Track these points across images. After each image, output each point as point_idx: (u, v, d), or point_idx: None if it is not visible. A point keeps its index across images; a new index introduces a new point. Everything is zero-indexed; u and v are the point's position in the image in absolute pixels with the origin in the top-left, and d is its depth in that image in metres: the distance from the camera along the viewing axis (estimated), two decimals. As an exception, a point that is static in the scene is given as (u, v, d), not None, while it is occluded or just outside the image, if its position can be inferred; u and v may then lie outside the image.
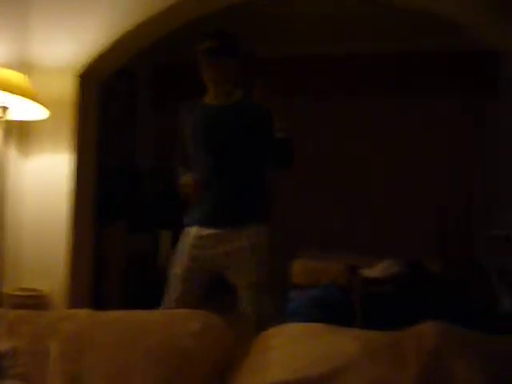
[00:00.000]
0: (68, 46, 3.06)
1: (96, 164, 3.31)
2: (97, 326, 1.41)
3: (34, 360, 1.33)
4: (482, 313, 3.05)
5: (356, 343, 1.14)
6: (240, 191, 2.26)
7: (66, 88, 3.04)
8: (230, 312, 2.22)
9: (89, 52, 3.04)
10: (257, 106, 2.22)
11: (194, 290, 2.27)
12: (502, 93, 4.88)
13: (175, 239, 4.78)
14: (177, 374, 1.21)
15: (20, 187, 3.05)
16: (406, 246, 4.83)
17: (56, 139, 3.05)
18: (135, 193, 4.96)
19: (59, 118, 3.00)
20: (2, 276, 2.69)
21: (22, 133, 3.05)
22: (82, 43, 3.05)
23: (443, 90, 5.19)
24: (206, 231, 2.26)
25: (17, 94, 2.56)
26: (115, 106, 5.12)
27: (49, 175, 3.05)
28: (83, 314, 1.50)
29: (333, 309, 3.36)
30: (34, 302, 2.88)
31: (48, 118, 2.85)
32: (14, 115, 2.73)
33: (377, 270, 3.38)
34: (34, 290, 2.96)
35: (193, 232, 2.30)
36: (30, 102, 2.64)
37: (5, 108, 2.65)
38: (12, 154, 2.93)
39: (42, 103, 2.70)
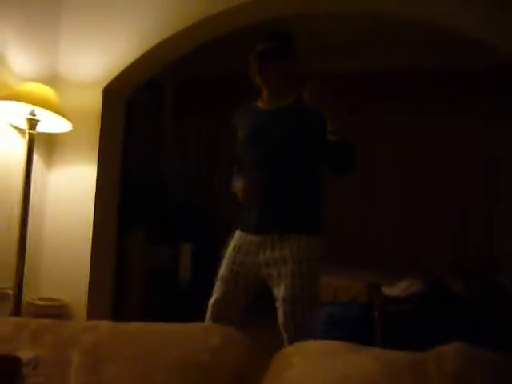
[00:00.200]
0: (95, 61, 3.12)
1: (120, 177, 3.35)
2: (117, 338, 1.42)
3: (55, 370, 1.34)
4: (504, 333, 2.99)
5: (376, 363, 1.12)
6: (289, 198, 2.16)
7: (92, 101, 3.10)
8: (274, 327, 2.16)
9: (115, 66, 3.10)
10: (308, 109, 2.03)
11: (237, 294, 2.19)
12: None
13: (196, 252, 4.84)
14: (195, 389, 1.21)
15: (44, 198, 3.11)
16: (428, 264, 4.80)
17: (81, 152, 3.10)
18: (158, 204, 5.00)
19: (85, 130, 3.06)
20: (24, 285, 2.73)
21: (47, 145, 3.11)
22: (109, 58, 3.11)
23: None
24: (250, 237, 2.19)
25: (44, 108, 2.63)
26: (140, 118, 5.19)
27: (73, 187, 3.10)
28: (104, 325, 1.51)
29: (353, 326, 3.33)
30: (55, 311, 2.92)
31: (74, 131, 2.90)
32: (40, 127, 2.79)
33: (398, 289, 3.34)
34: (54, 299, 3.00)
35: (237, 236, 2.25)
36: (57, 115, 2.70)
37: (34, 121, 2.71)
38: (37, 165, 2.99)
39: (68, 116, 2.76)
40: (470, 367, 1.05)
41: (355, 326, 3.31)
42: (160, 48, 3.09)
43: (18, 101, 2.58)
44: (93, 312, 3.04)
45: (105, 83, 3.11)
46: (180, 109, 5.98)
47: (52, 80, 3.08)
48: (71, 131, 2.90)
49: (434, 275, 3.51)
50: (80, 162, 3.10)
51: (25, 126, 2.72)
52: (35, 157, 2.88)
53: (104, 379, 1.27)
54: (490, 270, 4.67)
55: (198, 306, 4.42)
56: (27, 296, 2.88)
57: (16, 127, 2.87)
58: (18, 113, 2.71)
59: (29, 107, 2.64)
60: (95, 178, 3.07)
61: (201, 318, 2.29)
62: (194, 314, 4.12)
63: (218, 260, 5.47)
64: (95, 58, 3.13)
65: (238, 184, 2.25)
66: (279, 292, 2.11)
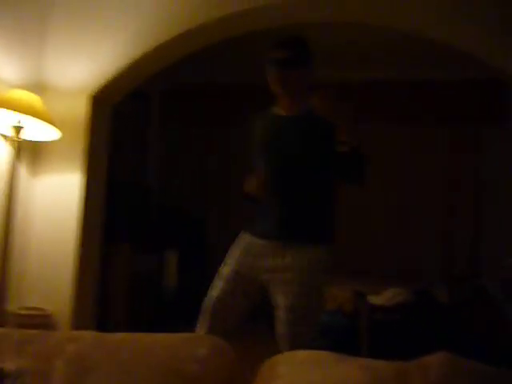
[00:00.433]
0: (82, 69, 3.11)
1: (106, 184, 3.33)
2: (101, 348, 1.41)
3: (39, 380, 1.32)
4: (489, 341, 3.02)
5: (362, 373, 1.13)
6: (299, 206, 2.13)
7: (78, 109, 3.09)
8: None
9: (102, 74, 3.10)
10: (323, 119, 1.99)
11: (235, 294, 2.15)
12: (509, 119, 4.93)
13: (181, 259, 4.81)
14: (181, 400, 1.20)
15: (29, 206, 3.08)
16: (413, 272, 4.84)
17: (67, 160, 3.09)
18: (142, 212, 4.98)
19: (71, 138, 3.04)
20: (7, 294, 2.69)
21: (33, 152, 3.09)
22: (96, 66, 3.10)
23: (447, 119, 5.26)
24: (257, 241, 2.16)
25: (30, 115, 2.61)
26: (126, 126, 5.17)
27: (58, 195, 3.08)
28: (88, 335, 1.50)
29: (339, 335, 3.34)
30: (39, 321, 2.88)
31: (60, 139, 2.89)
32: (26, 135, 2.77)
33: (383, 298, 3.36)
34: (38, 309, 2.97)
35: (244, 238, 2.22)
36: (43, 123, 2.68)
37: (19, 128, 2.69)
38: (22, 173, 2.97)
39: (54, 124, 2.75)
40: (455, 377, 1.06)
41: (341, 335, 3.32)
42: (148, 56, 3.09)
43: (4, 108, 2.57)
44: (77, 322, 3.01)
45: (92, 91, 3.10)
46: (167, 116, 5.98)
47: (38, 87, 3.06)
48: (57, 139, 2.89)
49: (420, 284, 3.53)
50: (66, 170, 3.08)
51: (11, 133, 2.71)
52: (21, 164, 2.86)
53: (88, 390, 1.26)
54: (474, 275, 4.72)
55: (184, 313, 4.42)
56: (11, 306, 2.85)
57: (1, 134, 2.85)
58: (4, 120, 2.69)
59: (15, 115, 2.62)
60: (81, 186, 3.06)
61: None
62: (181, 321, 4.11)
63: (204, 267, 5.46)
64: (82, 66, 3.12)
65: (254, 178, 2.13)
66: (280, 300, 2.08)
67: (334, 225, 2.21)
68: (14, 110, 2.58)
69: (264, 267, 2.12)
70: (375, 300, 3.33)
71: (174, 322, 3.98)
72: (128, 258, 4.14)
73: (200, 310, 2.20)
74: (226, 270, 2.19)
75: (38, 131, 2.83)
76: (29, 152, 3.04)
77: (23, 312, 2.92)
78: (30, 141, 2.91)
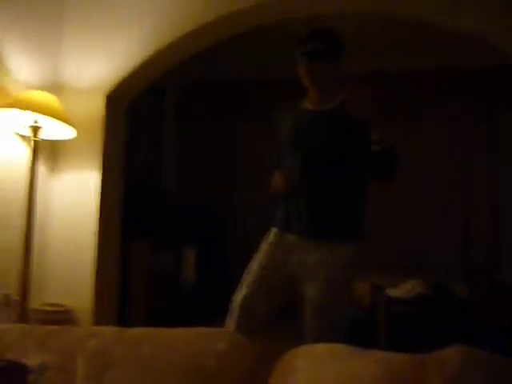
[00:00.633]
0: (98, 67, 3.14)
1: (123, 182, 3.36)
2: (121, 344, 1.42)
3: (61, 376, 1.35)
4: (508, 335, 2.99)
5: (380, 366, 1.13)
6: (328, 202, 2.12)
7: (94, 108, 3.12)
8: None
9: (118, 73, 3.12)
10: (353, 116, 2.00)
11: (262, 288, 2.14)
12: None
13: (199, 256, 4.84)
14: (200, 394, 1.22)
15: (48, 205, 3.12)
16: (432, 266, 4.79)
17: (84, 158, 3.12)
18: (160, 210, 5.01)
19: (87, 137, 3.08)
20: (30, 291, 2.74)
21: (51, 152, 3.13)
22: (111, 64, 3.13)
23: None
24: (285, 236, 2.17)
25: (47, 115, 2.65)
26: (143, 122, 5.20)
27: (76, 194, 3.12)
28: (109, 330, 1.52)
29: (356, 328, 3.33)
30: (60, 317, 2.93)
31: (76, 137, 2.92)
32: (43, 135, 2.81)
33: (401, 290, 3.34)
34: (60, 305, 3.01)
35: (273, 233, 2.21)
36: (60, 122, 2.72)
37: (37, 128, 2.73)
38: (41, 172, 3.01)
39: (71, 123, 2.78)
40: (472, 370, 1.05)
41: (359, 328, 3.32)
42: (162, 53, 3.10)
43: (22, 109, 2.61)
44: (98, 318, 3.05)
45: (108, 89, 3.13)
46: (183, 113, 5.99)
47: (54, 87, 3.10)
48: (74, 138, 2.92)
49: (438, 277, 3.51)
50: (83, 168, 3.12)
51: (28, 133, 2.75)
52: (39, 164, 2.90)
53: (109, 385, 1.28)
54: (494, 268, 4.67)
55: (203, 309, 4.45)
56: (33, 302, 2.90)
57: (20, 135, 2.89)
58: (22, 120, 2.73)
59: (32, 115, 2.66)
60: (99, 184, 3.09)
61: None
62: (199, 317, 4.14)
63: (222, 263, 5.48)
64: (98, 65, 3.15)
65: (277, 176, 2.14)
66: (306, 294, 2.09)
67: (363, 222, 2.21)
68: (32, 111, 2.62)
69: (292, 262, 2.13)
70: (393, 293, 3.32)
71: (192, 318, 4.00)
72: (146, 256, 4.17)
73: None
74: (254, 265, 2.19)
75: (55, 130, 2.86)
76: (47, 151, 3.08)
77: (45, 308, 2.97)
78: (48, 140, 2.95)
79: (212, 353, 1.32)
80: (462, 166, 5.18)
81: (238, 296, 2.18)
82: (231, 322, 2.16)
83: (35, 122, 2.71)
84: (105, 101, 3.12)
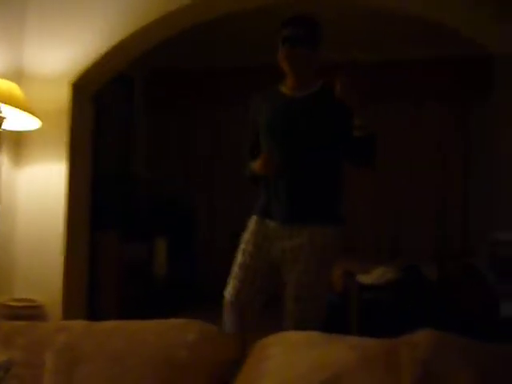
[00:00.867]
0: (62, 55, 3.07)
1: (90, 173, 3.31)
2: (91, 337, 1.41)
3: (28, 372, 1.32)
4: (479, 318, 3.06)
5: (352, 352, 1.14)
6: (308, 187, 2.15)
7: (59, 97, 3.05)
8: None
9: (83, 61, 3.05)
10: (335, 101, 2.01)
11: (249, 278, 2.17)
12: (495, 94, 4.93)
13: (171, 246, 4.81)
14: (172, 385, 1.21)
15: (13, 197, 3.05)
16: (405, 251, 4.87)
17: (50, 149, 3.05)
18: (129, 200, 4.95)
19: (53, 127, 3.01)
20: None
21: (14, 143, 3.04)
22: (76, 52, 3.06)
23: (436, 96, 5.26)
24: (265, 223, 2.18)
25: (10, 105, 2.56)
26: (111, 111, 5.11)
27: (43, 185, 3.05)
28: (78, 325, 1.50)
29: (329, 313, 3.36)
30: (29, 312, 2.87)
31: (41, 128, 2.85)
32: (6, 125, 2.73)
33: (373, 277, 3.38)
34: (28, 300, 2.95)
35: (254, 221, 2.22)
36: (23, 112, 2.63)
37: (0, 118, 2.64)
38: (5, 164, 2.93)
39: (35, 113, 2.70)
40: (442, 354, 1.07)
41: (331, 314, 3.35)
42: (127, 42, 3.06)
43: (-18, 98, 2.52)
44: (68, 311, 3.01)
45: (73, 78, 3.06)
46: (153, 101, 5.90)
47: (17, 75, 3.01)
48: (39, 128, 2.85)
49: (409, 262, 3.56)
50: (49, 159, 3.05)
51: (-10, 124, 2.66)
52: (2, 156, 2.81)
53: (77, 380, 1.26)
54: (465, 254, 4.77)
55: (175, 300, 4.42)
56: (1, 297, 2.84)
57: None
58: (-17, 111, 2.64)
59: (-5, 104, 2.57)
60: (66, 175, 3.03)
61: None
62: (171, 308, 4.11)
63: (193, 254, 5.46)
64: (62, 53, 3.07)
65: (256, 162, 2.15)
66: (289, 278, 2.13)
67: (342, 206, 2.24)
68: (-6, 100, 2.53)
69: (276, 249, 2.15)
70: (364, 279, 3.35)
71: (164, 309, 3.98)
72: (117, 247, 4.12)
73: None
74: (242, 257, 2.20)
75: (19, 121, 2.78)
76: (10, 143, 3.00)
77: (12, 303, 2.90)
78: (11, 131, 2.87)
79: (183, 344, 1.31)
80: (435, 153, 5.26)
81: (228, 290, 2.20)
82: (227, 320, 2.19)
83: (-2, 112, 2.62)
84: (70, 89, 3.06)
